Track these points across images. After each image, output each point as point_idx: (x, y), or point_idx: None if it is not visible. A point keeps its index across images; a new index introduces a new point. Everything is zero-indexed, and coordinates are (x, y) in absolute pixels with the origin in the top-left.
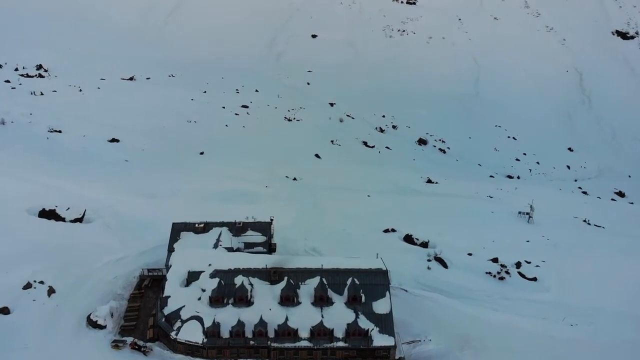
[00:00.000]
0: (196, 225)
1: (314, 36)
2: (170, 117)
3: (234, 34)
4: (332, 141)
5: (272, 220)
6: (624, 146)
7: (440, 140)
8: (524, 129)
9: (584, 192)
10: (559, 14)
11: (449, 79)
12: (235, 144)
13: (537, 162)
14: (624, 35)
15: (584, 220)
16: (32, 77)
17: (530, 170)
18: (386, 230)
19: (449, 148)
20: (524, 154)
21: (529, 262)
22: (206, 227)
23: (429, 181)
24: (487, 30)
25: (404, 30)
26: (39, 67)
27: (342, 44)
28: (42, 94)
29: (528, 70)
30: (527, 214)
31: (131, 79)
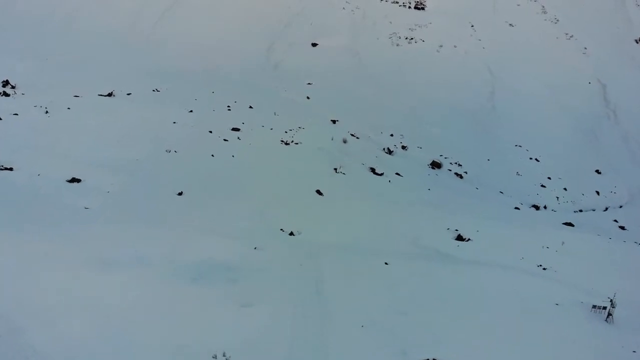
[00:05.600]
0: None
1: (314, 44)
2: (147, 145)
3: (228, 41)
4: (335, 169)
5: None
6: None
7: (456, 163)
8: (546, 148)
9: (622, 227)
10: (578, 20)
11: (462, 92)
12: (221, 180)
13: (565, 189)
14: None
15: None
16: None
17: (558, 198)
18: None
19: (466, 172)
20: (549, 178)
21: None
22: None
23: (459, 238)
24: (502, 37)
25: (411, 38)
26: (5, 83)
27: (345, 52)
28: (0, 118)
29: (547, 82)
30: (604, 308)
31: (110, 94)
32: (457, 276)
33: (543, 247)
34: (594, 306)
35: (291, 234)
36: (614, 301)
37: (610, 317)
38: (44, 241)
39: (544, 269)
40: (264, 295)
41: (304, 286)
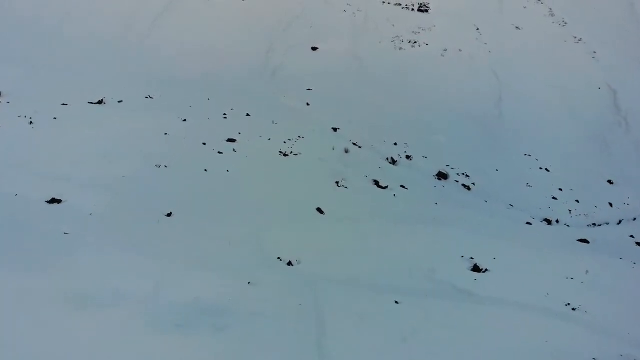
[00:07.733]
0: None
1: (314, 48)
2: (135, 160)
3: (226, 44)
4: (337, 182)
5: None
6: None
7: (463, 174)
8: (556, 157)
9: (639, 244)
10: (586, 23)
11: (467, 97)
12: (214, 199)
13: (577, 201)
14: None
15: None
16: None
17: (570, 211)
18: None
19: (474, 184)
20: (560, 189)
21: None
22: None
23: (476, 268)
24: (508, 41)
25: (415, 42)
26: None
27: (346, 56)
28: None
29: (556, 87)
30: None
31: (100, 102)
32: (479, 321)
33: (567, 277)
34: None
35: (289, 264)
36: None
37: None
38: (16, 274)
39: (573, 309)
40: (256, 351)
41: (303, 337)
